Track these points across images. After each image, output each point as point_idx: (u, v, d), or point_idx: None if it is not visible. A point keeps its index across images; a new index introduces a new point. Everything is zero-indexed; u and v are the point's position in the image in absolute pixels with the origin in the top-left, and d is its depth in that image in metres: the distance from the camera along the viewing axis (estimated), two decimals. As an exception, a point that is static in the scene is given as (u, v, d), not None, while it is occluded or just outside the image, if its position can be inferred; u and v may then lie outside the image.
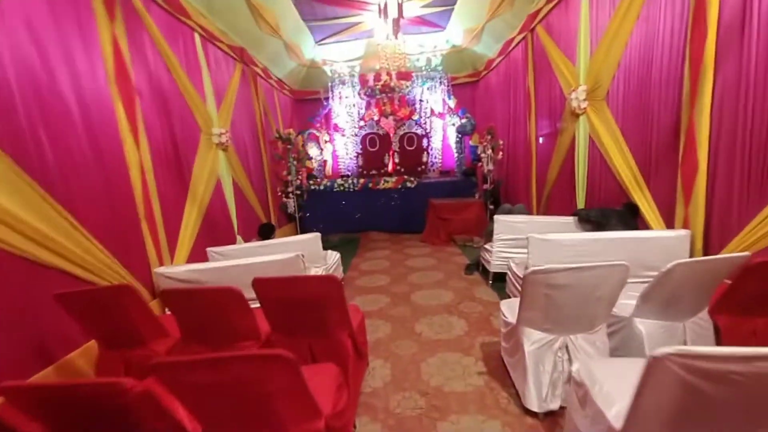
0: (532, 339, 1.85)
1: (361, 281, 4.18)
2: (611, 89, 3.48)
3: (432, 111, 8.23)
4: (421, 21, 6.78)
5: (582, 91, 3.79)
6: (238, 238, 4.51)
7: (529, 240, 2.59)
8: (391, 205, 6.61)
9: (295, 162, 6.36)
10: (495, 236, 3.56)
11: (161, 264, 2.97)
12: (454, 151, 7.92)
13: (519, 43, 5.58)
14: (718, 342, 1.93)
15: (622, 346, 1.98)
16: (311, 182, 6.70)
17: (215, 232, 4.08)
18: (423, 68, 7.83)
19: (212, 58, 4.46)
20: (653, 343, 1.83)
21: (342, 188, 6.59)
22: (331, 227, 6.67)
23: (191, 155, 3.77)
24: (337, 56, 7.78)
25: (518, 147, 5.95)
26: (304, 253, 3.42)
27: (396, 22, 5.25)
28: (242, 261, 2.69)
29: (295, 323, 1.94)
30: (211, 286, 2.54)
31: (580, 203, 4.15)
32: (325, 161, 8.22)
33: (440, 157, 8.40)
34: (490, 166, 6.31)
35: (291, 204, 6.39)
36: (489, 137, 6.29)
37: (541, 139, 5.17)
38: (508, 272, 3.14)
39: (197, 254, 3.49)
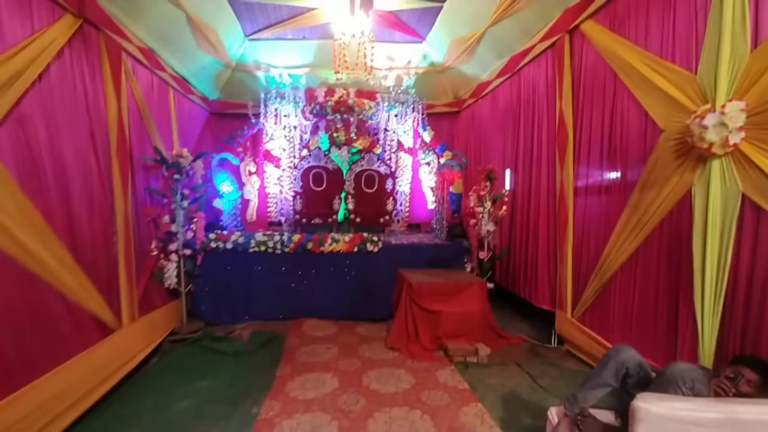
0: None
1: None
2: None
3: (400, 144, 6.27)
4: (396, 22, 4.92)
5: (735, 113, 1.94)
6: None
7: None
8: (341, 275, 4.28)
9: (184, 203, 3.85)
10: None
11: None
12: (431, 198, 5.95)
13: (542, 52, 3.85)
14: None
15: None
16: (212, 236, 4.17)
17: None
18: (391, 89, 5.94)
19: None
20: None
21: (262, 249, 4.14)
22: (241, 312, 4.12)
23: None
24: (277, 59, 5.62)
25: (534, 203, 4.06)
26: None
27: (367, -7, 3.22)
28: None
29: None
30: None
31: (708, 341, 2.15)
32: (247, 201, 5.75)
33: (407, 205, 6.38)
34: (490, 227, 4.33)
35: (171, 271, 3.79)
36: (487, 184, 4.37)
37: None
38: None
39: None
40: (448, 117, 6.49)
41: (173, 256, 3.79)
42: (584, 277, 3.28)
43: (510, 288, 4.60)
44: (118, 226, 3.15)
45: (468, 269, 4.45)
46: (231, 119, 5.89)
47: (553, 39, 3.60)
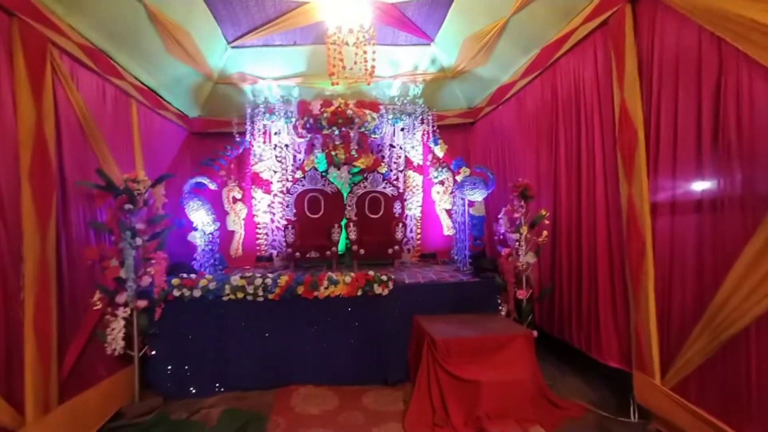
0: None
1: None
2: None
3: (408, 162, 5.46)
4: (400, 19, 4.21)
5: None
6: None
7: None
8: (342, 327, 3.35)
9: (137, 240, 2.98)
10: None
11: None
12: (447, 222, 5.07)
13: (588, 36, 3.05)
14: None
15: None
16: (176, 281, 3.27)
17: None
18: (396, 99, 5.20)
19: None
20: None
21: (240, 296, 3.23)
22: (212, 381, 3.17)
23: None
24: (264, 69, 4.92)
25: (588, 225, 3.14)
26: None
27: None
28: None
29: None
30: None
31: None
32: (231, 233, 4.90)
33: (419, 231, 5.49)
34: (529, 258, 3.41)
35: (117, 332, 2.88)
36: (522, 204, 3.49)
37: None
38: None
39: None
40: (461, 129, 5.70)
41: (121, 311, 2.90)
42: (679, 330, 2.33)
43: (556, 333, 3.62)
44: (28, 277, 2.27)
45: (503, 312, 3.50)
46: (214, 139, 5.14)
47: (606, 14, 2.79)
